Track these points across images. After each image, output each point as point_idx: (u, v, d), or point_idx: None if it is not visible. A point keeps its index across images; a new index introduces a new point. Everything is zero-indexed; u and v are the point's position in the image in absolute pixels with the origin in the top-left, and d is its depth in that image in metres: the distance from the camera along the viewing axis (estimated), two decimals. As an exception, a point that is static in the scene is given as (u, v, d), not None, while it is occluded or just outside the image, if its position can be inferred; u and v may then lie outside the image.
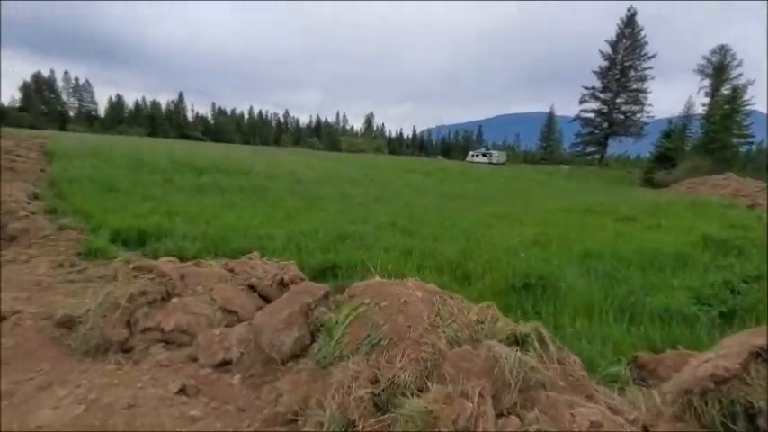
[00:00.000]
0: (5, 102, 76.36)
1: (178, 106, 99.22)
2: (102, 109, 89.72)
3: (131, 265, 3.01)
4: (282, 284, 3.49)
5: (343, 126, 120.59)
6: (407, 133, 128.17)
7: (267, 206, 9.90)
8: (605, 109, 68.50)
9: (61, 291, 4.18)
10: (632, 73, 65.00)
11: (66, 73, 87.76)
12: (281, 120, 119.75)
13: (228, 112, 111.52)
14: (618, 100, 67.01)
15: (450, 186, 21.43)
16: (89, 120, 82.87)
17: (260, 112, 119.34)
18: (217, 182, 12.37)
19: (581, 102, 70.08)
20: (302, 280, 3.75)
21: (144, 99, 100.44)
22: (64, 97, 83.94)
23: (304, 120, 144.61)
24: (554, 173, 51.15)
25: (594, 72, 67.77)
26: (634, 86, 65.52)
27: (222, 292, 3.11)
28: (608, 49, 65.46)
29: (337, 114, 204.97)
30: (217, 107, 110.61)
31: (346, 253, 5.36)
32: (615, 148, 73.58)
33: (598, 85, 67.96)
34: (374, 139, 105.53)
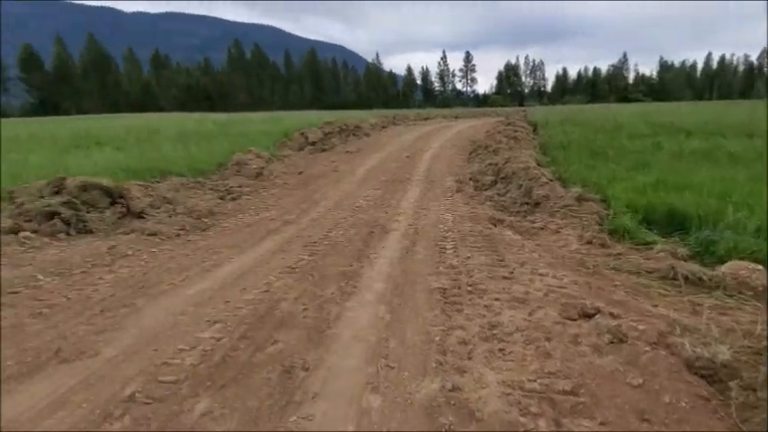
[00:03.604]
0: (486, 90, 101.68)
1: (618, 69, 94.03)
2: (549, 84, 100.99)
3: None
4: None
5: None
6: None
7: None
8: None
9: (617, 282, 3.38)
10: None
11: (526, 57, 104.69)
12: (754, 63, 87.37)
13: (677, 65, 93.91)
14: None
15: None
16: (539, 95, 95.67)
17: (721, 58, 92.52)
18: (717, 146, 9.16)
19: None
20: None
21: (585, 68, 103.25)
22: (523, 79, 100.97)
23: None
24: None
25: None
26: None
27: None
28: None
29: None
30: (662, 62, 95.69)
31: None
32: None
33: None
34: None
